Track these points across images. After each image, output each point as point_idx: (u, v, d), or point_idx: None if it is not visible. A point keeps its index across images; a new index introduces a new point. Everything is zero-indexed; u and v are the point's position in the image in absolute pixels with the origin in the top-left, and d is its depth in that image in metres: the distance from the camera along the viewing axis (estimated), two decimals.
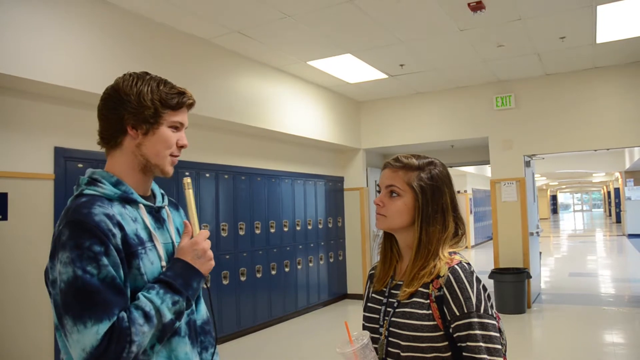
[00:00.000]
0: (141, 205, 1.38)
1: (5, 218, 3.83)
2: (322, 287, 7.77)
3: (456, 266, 1.35)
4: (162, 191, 1.53)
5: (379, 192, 1.49)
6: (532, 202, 7.60)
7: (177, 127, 1.41)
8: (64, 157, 4.19)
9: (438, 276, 1.35)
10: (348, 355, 1.34)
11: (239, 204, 6.20)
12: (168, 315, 1.26)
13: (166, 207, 1.50)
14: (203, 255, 1.37)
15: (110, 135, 1.38)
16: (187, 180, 1.44)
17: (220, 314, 5.74)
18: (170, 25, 4.83)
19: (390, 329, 1.39)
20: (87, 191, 1.31)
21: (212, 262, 1.40)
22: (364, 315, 1.52)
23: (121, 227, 1.27)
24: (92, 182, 1.34)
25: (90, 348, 1.14)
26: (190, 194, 1.44)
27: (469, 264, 1.39)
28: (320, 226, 7.81)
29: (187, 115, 1.45)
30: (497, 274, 6.82)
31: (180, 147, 1.43)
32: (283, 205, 7.00)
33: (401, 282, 1.44)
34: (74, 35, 3.99)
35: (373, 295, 1.52)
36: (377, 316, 1.45)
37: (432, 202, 1.42)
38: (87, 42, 4.09)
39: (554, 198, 46.47)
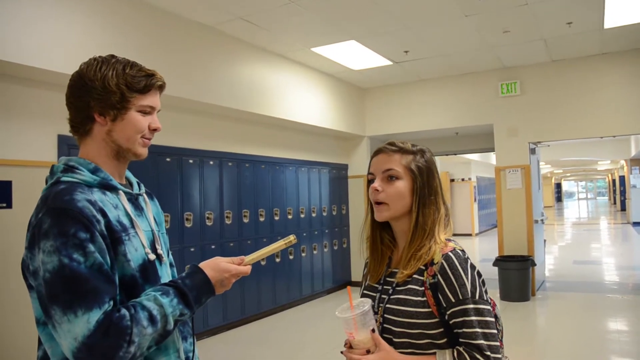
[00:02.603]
0: (121, 192, 1.34)
1: (9, 206, 3.84)
2: (326, 274, 7.79)
3: (450, 253, 1.35)
4: (137, 180, 1.49)
5: (371, 181, 1.46)
6: (537, 189, 7.57)
7: (147, 112, 1.35)
8: (67, 145, 4.17)
9: (432, 263, 1.35)
10: (347, 321, 1.33)
11: (243, 192, 6.20)
12: (172, 324, 1.23)
13: (144, 194, 1.47)
14: (225, 285, 1.36)
15: (79, 123, 1.33)
16: (291, 239, 1.44)
17: (225, 301, 5.76)
18: (173, 12, 4.79)
19: (385, 315, 1.39)
20: (64, 178, 1.26)
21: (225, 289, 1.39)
22: None
23: (104, 214, 1.23)
24: (69, 169, 1.29)
25: (82, 337, 1.11)
26: (279, 245, 1.42)
27: (463, 250, 1.39)
28: (324, 214, 7.80)
29: (159, 97, 1.39)
30: (502, 261, 6.82)
31: (153, 130, 1.38)
32: (287, 193, 6.99)
33: (397, 270, 1.43)
34: (76, 23, 3.97)
35: (369, 283, 1.52)
36: (372, 303, 1.44)
37: (427, 184, 1.43)
38: (90, 29, 4.06)
39: (558, 186, 46.34)
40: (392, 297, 1.40)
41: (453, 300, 1.30)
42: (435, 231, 1.41)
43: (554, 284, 8.05)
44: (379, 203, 1.43)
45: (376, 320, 1.41)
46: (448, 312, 1.31)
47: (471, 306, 1.29)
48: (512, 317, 6.06)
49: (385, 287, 1.44)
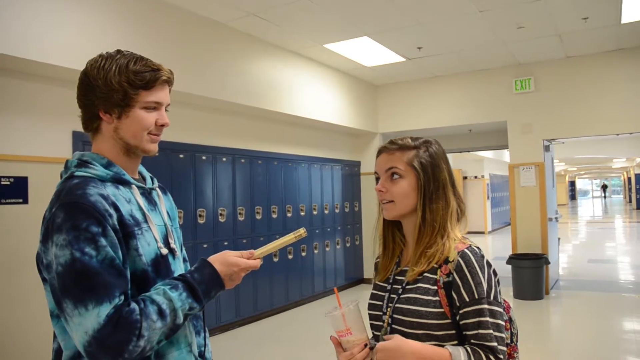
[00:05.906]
0: (134, 187, 1.35)
1: (25, 201, 3.88)
2: (338, 271, 7.79)
3: (466, 250, 1.32)
4: (151, 174, 1.49)
5: (378, 179, 1.45)
6: (551, 187, 7.50)
7: (153, 107, 1.33)
8: (82, 142, 4.21)
9: (447, 261, 1.32)
10: (337, 318, 1.31)
11: (256, 188, 6.21)
12: (181, 318, 1.23)
13: (157, 189, 1.47)
14: (235, 279, 1.35)
15: (88, 120, 1.34)
16: (301, 232, 1.40)
17: (237, 298, 5.79)
18: (186, 8, 4.80)
19: (394, 315, 1.36)
20: (78, 173, 1.27)
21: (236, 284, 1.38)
22: (368, 304, 1.48)
23: (116, 208, 1.24)
24: (83, 164, 1.30)
25: (93, 331, 1.12)
26: (290, 238, 1.40)
27: (479, 248, 1.36)
28: (337, 211, 7.80)
29: (168, 92, 1.38)
30: (515, 259, 6.76)
31: (161, 126, 1.36)
32: (300, 190, 7.00)
33: (406, 268, 1.41)
34: (91, 20, 4.00)
35: (377, 283, 1.50)
36: (380, 303, 1.42)
37: (433, 179, 1.39)
38: (104, 26, 4.09)
39: (572, 184, 45.88)
40: (402, 296, 1.36)
41: (467, 299, 1.27)
42: (448, 227, 1.37)
43: (568, 282, 7.98)
44: (386, 202, 1.42)
45: (384, 321, 1.39)
46: (461, 312, 1.28)
47: (486, 307, 1.26)
48: (526, 315, 6.01)
49: (394, 286, 1.41)
